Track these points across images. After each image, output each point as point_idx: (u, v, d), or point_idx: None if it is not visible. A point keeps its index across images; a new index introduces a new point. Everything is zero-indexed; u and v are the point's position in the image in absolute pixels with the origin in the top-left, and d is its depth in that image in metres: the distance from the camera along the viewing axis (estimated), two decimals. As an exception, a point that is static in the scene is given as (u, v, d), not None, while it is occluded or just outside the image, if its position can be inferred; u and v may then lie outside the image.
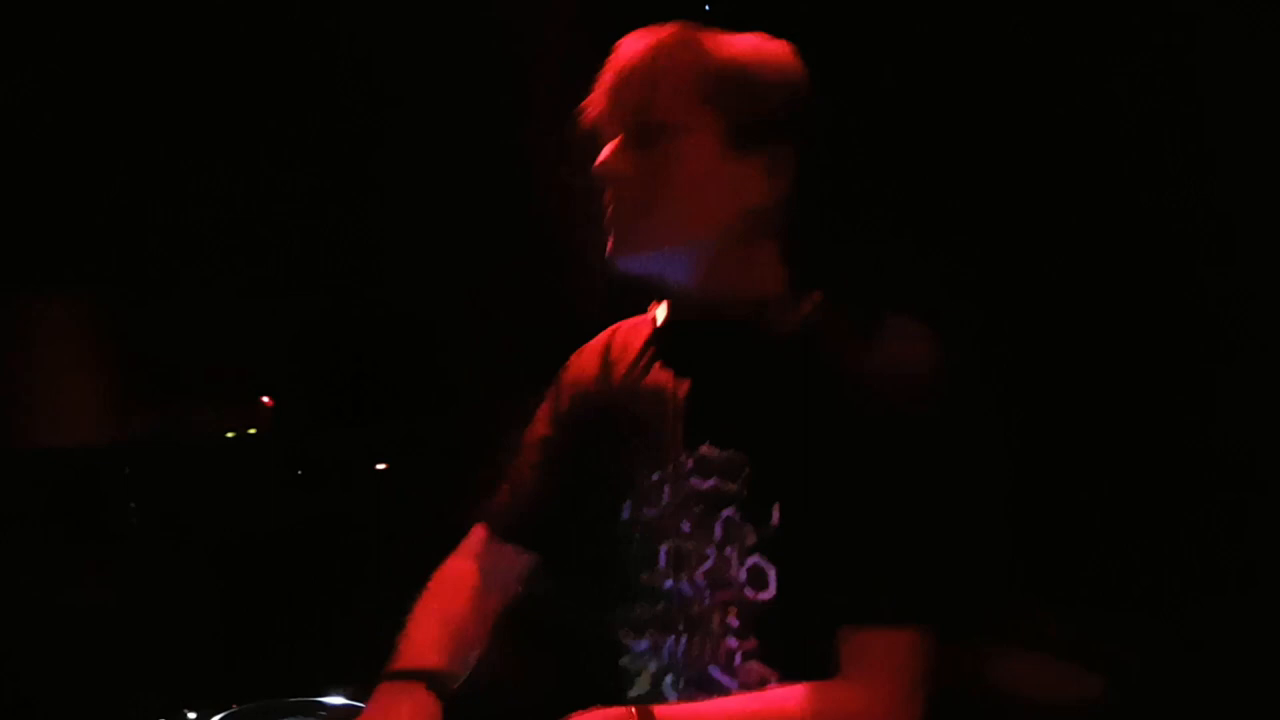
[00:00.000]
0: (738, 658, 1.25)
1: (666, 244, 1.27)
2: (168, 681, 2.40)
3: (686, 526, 1.29)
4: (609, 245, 1.28)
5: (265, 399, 2.98)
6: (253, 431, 2.93)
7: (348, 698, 1.40)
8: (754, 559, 1.24)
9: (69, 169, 2.81)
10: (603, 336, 1.47)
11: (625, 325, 1.46)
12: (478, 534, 1.46)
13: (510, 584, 1.45)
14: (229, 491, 2.82)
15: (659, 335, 1.37)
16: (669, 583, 1.30)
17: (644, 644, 1.33)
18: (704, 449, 1.28)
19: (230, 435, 2.93)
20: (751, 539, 1.25)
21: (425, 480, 2.78)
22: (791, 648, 1.23)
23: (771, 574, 1.23)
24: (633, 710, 1.14)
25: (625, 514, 1.34)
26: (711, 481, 1.28)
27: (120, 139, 2.84)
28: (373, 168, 2.89)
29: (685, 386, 1.32)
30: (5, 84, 2.68)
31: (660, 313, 1.38)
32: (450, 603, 1.41)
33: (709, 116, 1.24)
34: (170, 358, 2.87)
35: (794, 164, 1.28)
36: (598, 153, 1.29)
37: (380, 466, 2.92)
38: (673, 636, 1.30)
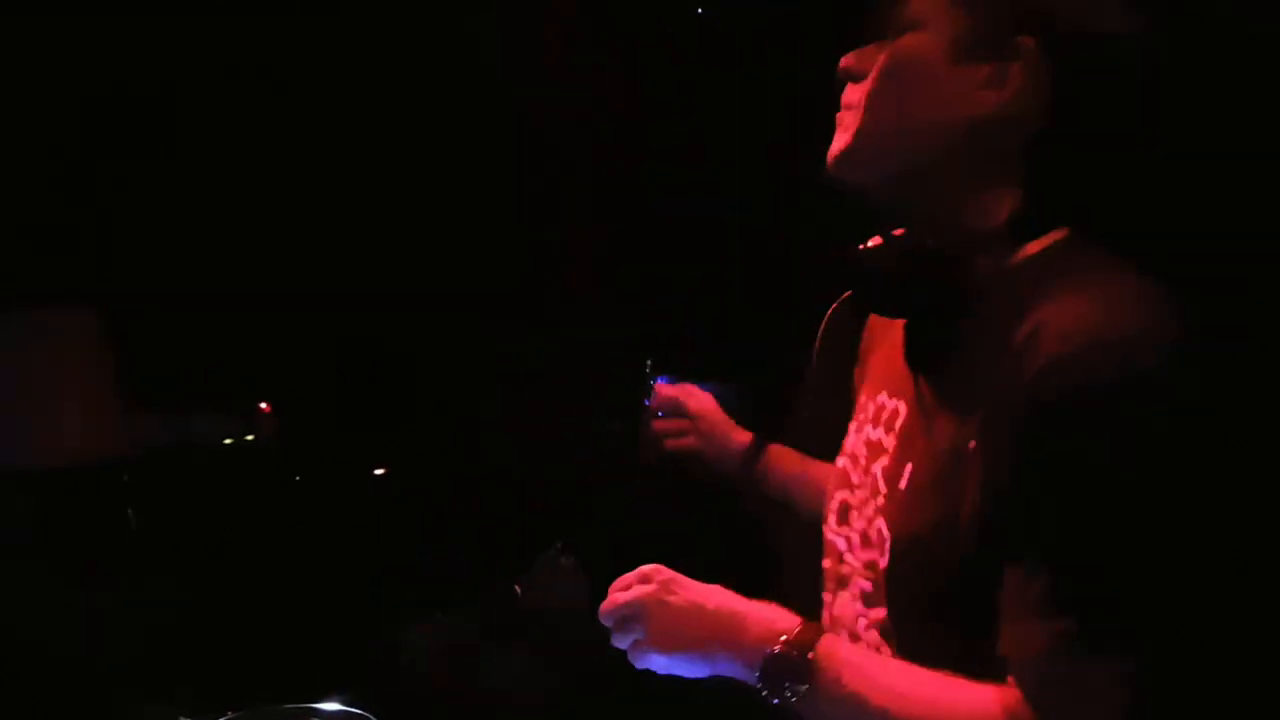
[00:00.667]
0: (860, 624, 1.15)
1: (882, 154, 1.13)
2: (164, 688, 2.39)
3: (855, 477, 1.20)
4: (833, 153, 1.16)
5: (263, 405, 2.97)
6: (251, 438, 2.92)
7: (344, 704, 1.40)
8: (879, 522, 1.13)
9: (66, 178, 2.81)
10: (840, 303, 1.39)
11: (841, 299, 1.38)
12: None
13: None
14: (227, 498, 2.81)
15: (878, 258, 1.18)
16: (833, 536, 1.22)
17: (829, 597, 1.24)
18: (881, 396, 1.19)
19: (228, 442, 2.92)
20: (881, 499, 1.13)
21: (424, 485, 2.78)
22: (903, 627, 1.10)
23: (887, 540, 1.10)
24: (800, 625, 1.03)
25: (838, 464, 1.27)
26: (879, 432, 1.17)
27: (115, 146, 2.84)
28: (371, 174, 2.89)
29: (893, 331, 1.20)
30: (6, 94, 2.68)
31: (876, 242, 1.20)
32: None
33: (950, 13, 1.09)
34: (168, 365, 2.86)
35: (1040, 73, 1.07)
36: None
37: (379, 472, 2.91)
38: (828, 594, 1.23)
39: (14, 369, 2.37)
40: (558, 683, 1.93)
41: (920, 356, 1.14)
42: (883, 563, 1.11)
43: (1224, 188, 1.56)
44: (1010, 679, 0.97)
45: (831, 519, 1.23)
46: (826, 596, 1.23)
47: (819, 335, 1.35)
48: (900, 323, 1.19)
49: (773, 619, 1.05)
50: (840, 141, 1.15)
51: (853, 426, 1.25)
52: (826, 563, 1.24)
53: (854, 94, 1.14)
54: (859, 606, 1.15)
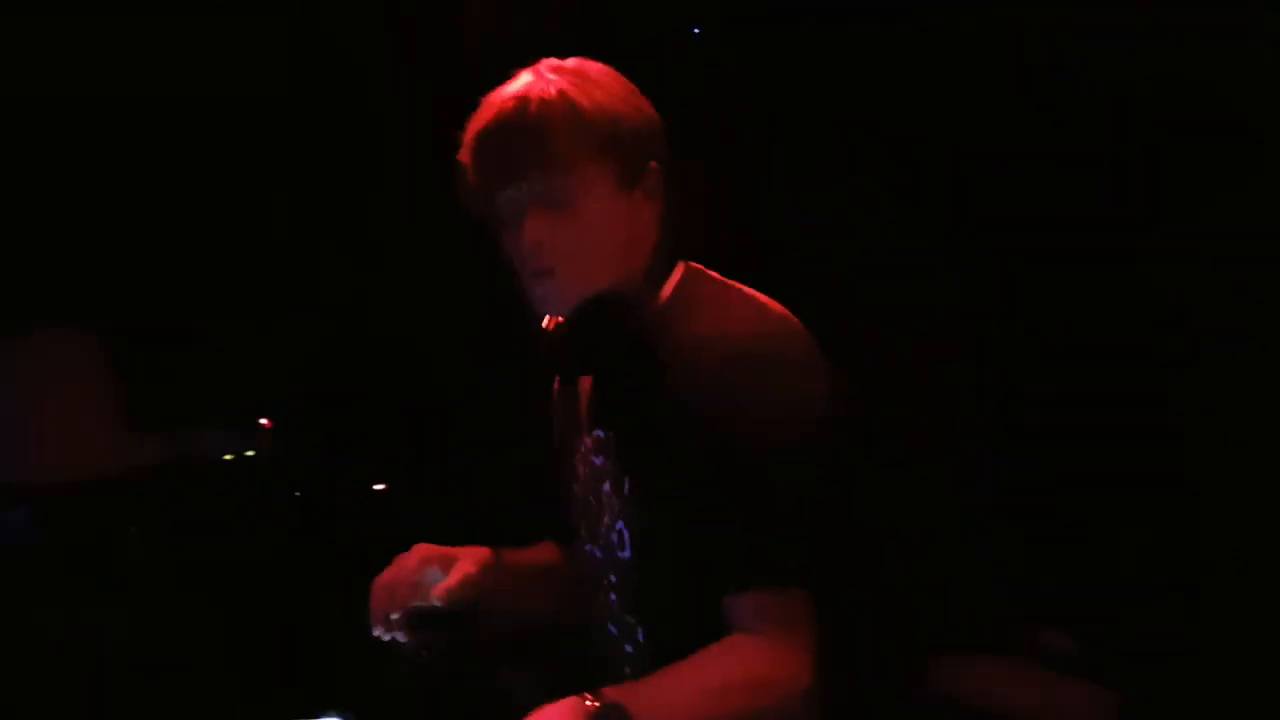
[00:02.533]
0: (616, 610, 1.44)
1: (583, 292, 1.39)
2: (167, 705, 2.40)
3: (591, 500, 1.47)
4: (538, 303, 1.43)
5: (264, 421, 2.98)
6: (251, 454, 2.93)
7: (342, 719, 1.40)
8: (619, 524, 1.41)
9: (64, 198, 2.82)
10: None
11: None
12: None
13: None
14: (227, 513, 2.81)
15: (550, 338, 1.50)
16: (587, 547, 1.49)
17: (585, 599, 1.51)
18: (596, 431, 1.45)
19: (228, 457, 2.93)
20: (617, 507, 1.41)
21: (423, 501, 2.79)
22: (650, 600, 1.39)
23: (626, 537, 1.39)
24: (585, 696, 1.23)
25: (569, 494, 1.53)
26: (600, 459, 1.44)
27: (112, 164, 2.85)
28: (372, 192, 2.90)
29: (589, 376, 1.47)
30: (5, 114, 2.70)
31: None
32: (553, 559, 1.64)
33: (600, 167, 1.37)
34: (168, 380, 2.87)
35: (662, 179, 1.43)
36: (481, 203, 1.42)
37: (378, 487, 2.92)
38: (588, 594, 1.50)
39: (16, 387, 2.38)
40: (555, 699, 1.93)
41: (613, 395, 1.42)
42: (623, 555, 1.40)
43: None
44: (735, 630, 1.27)
45: (582, 534, 1.50)
46: (599, 597, 1.48)
47: (555, 406, 1.60)
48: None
49: (561, 707, 1.26)
50: (557, 302, 1.41)
51: (578, 459, 1.50)
52: (587, 570, 1.50)
53: (550, 259, 1.39)
54: (611, 597, 1.45)
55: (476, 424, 2.84)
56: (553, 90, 1.37)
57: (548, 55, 1.43)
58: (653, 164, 1.42)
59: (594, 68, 1.43)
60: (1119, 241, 1.96)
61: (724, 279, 1.45)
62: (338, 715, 1.48)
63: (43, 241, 2.79)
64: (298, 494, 2.88)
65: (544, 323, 1.49)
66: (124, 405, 2.74)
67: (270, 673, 2.53)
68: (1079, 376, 2.00)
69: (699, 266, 1.47)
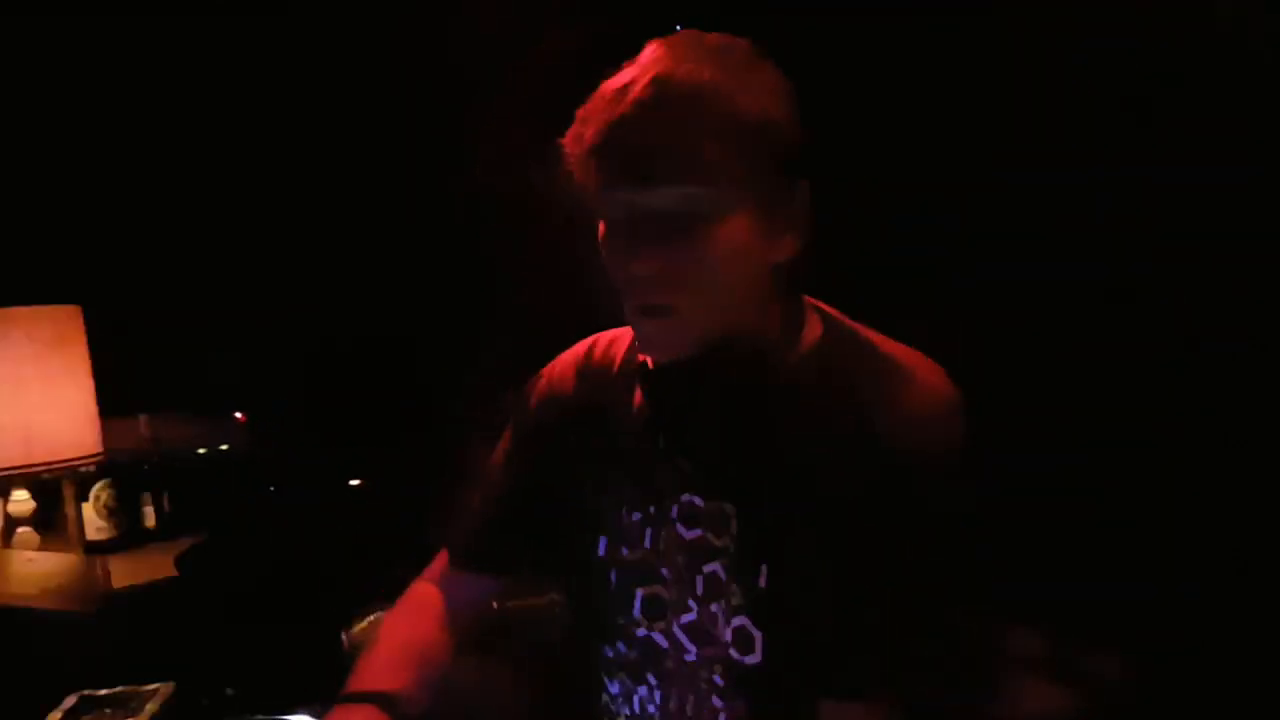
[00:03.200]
0: (722, 718, 1.19)
1: (708, 336, 1.13)
2: (134, 699, 2.37)
3: (667, 573, 1.22)
4: (645, 342, 1.17)
5: (238, 415, 2.96)
6: (225, 447, 2.91)
7: (314, 716, 1.39)
8: (740, 620, 1.17)
9: (38, 181, 2.79)
10: (578, 351, 1.35)
11: (604, 340, 1.34)
12: (442, 559, 1.41)
13: (476, 608, 1.40)
14: (200, 506, 2.79)
15: (656, 378, 1.23)
16: (641, 631, 1.24)
17: (616, 686, 1.28)
18: (688, 497, 1.20)
19: (202, 451, 2.91)
20: (738, 599, 1.17)
21: (400, 497, 2.77)
22: (779, 715, 1.16)
23: (758, 639, 1.16)
24: None
25: (601, 550, 1.27)
26: (697, 532, 1.19)
27: (92, 152, 2.83)
28: (348, 183, 2.89)
29: (673, 426, 1.21)
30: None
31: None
32: (414, 626, 1.35)
33: (740, 185, 1.09)
34: (143, 372, 2.85)
35: (809, 198, 1.14)
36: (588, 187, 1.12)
37: (354, 483, 2.90)
38: (644, 687, 1.25)
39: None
40: (530, 695, 1.92)
41: (740, 464, 1.17)
42: (749, 660, 1.16)
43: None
44: None
45: (635, 615, 1.24)
46: (639, 689, 1.26)
47: (541, 404, 1.35)
48: (677, 428, 1.22)
49: None
50: (673, 343, 1.14)
51: (638, 520, 1.24)
52: (631, 655, 1.26)
53: (669, 294, 1.11)
54: (715, 701, 1.20)
55: (455, 420, 2.82)
56: (705, 74, 1.07)
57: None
58: (803, 182, 1.13)
59: (742, 47, 1.13)
60: (1115, 241, 1.96)
61: (854, 322, 1.21)
62: (307, 713, 1.46)
63: (18, 224, 2.76)
64: (272, 489, 2.86)
65: (612, 343, 1.27)
66: (100, 395, 2.72)
67: (240, 670, 2.51)
68: (1075, 377, 2.00)
69: (824, 305, 1.23)
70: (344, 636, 1.98)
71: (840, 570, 1.10)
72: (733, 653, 1.17)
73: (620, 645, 1.27)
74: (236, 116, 2.88)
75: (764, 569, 1.15)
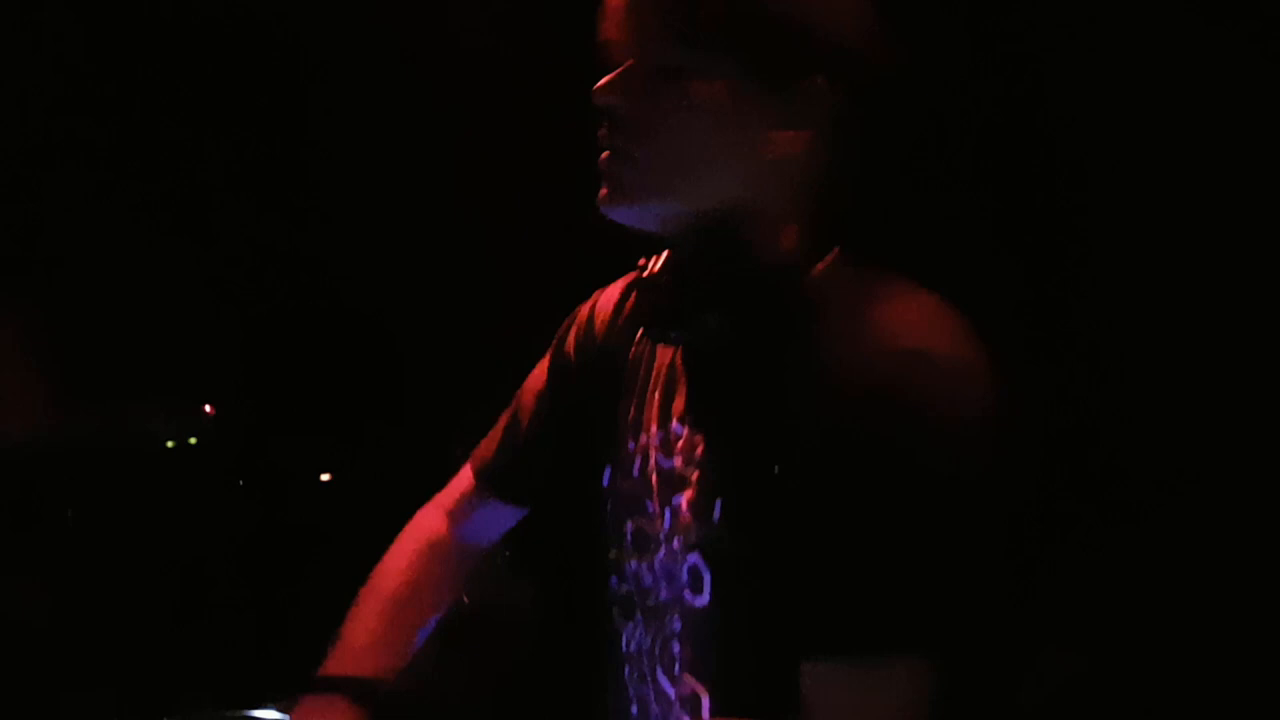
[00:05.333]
0: (677, 666, 1.13)
1: (666, 198, 1.08)
2: (99, 693, 2.35)
3: (651, 506, 1.15)
4: (602, 191, 1.09)
5: (207, 407, 2.93)
6: (194, 440, 2.88)
7: (281, 711, 1.37)
8: (693, 557, 1.09)
9: (8, 169, 2.76)
10: (624, 281, 1.30)
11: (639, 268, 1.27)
12: (464, 481, 1.38)
13: (489, 541, 1.38)
14: (168, 501, 2.77)
15: (656, 285, 1.18)
16: (632, 564, 1.18)
17: (617, 622, 1.22)
18: (674, 424, 1.13)
19: (170, 444, 2.88)
20: (694, 535, 1.09)
21: (370, 491, 2.75)
22: (724, 667, 1.08)
23: (707, 578, 1.08)
24: None
25: (605, 480, 1.22)
26: (673, 461, 1.12)
27: (59, 135, 2.80)
28: (322, 170, 2.86)
29: (671, 352, 1.16)
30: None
31: (657, 264, 1.18)
32: (414, 567, 1.33)
33: (729, 54, 1.03)
34: (110, 364, 2.82)
35: (830, 108, 1.05)
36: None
37: (325, 477, 2.88)
38: (630, 624, 1.20)
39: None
40: (498, 686, 1.91)
41: (722, 387, 1.10)
42: (699, 601, 1.09)
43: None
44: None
45: (628, 548, 1.19)
46: (627, 625, 1.21)
47: (573, 330, 1.32)
48: (677, 350, 1.16)
49: None
50: (616, 190, 1.08)
51: (634, 448, 1.19)
52: (623, 589, 1.20)
53: (628, 137, 1.07)
54: (674, 646, 1.13)
55: (427, 413, 2.80)
56: None
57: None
58: (817, 79, 1.04)
59: None
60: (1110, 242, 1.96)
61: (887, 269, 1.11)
62: (274, 708, 1.45)
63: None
64: (241, 483, 2.84)
65: (645, 262, 1.17)
66: (64, 387, 2.69)
67: (207, 664, 2.49)
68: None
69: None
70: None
71: (801, 513, 0.98)
72: (686, 594, 1.10)
73: (614, 579, 1.22)
74: (209, 94, 2.85)
75: (718, 503, 1.07)
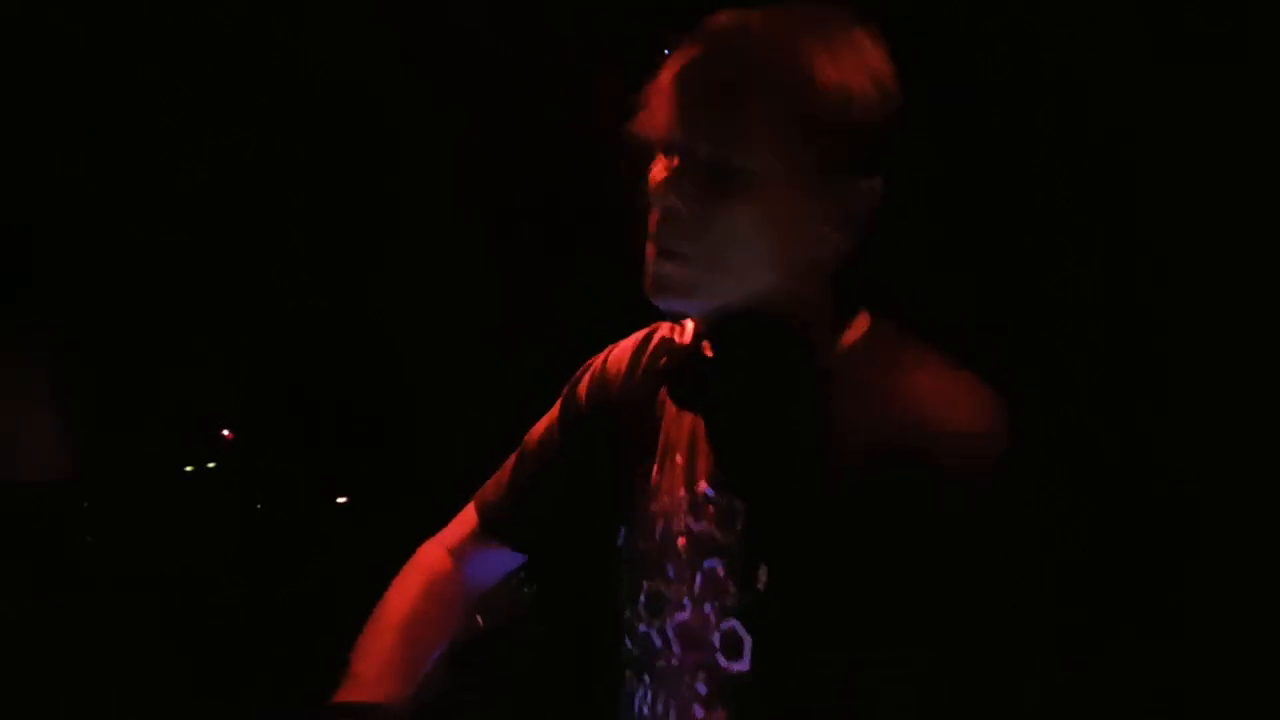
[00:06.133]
0: None
1: (713, 296, 1.08)
2: (119, 716, 2.36)
3: (671, 570, 1.16)
4: (651, 280, 1.09)
5: (225, 432, 2.95)
6: (212, 465, 2.90)
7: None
8: (731, 623, 1.09)
9: (21, 196, 2.78)
10: (638, 336, 1.32)
11: (664, 329, 1.29)
12: (468, 522, 1.40)
13: (488, 583, 1.40)
14: (188, 525, 2.79)
15: (685, 353, 1.21)
16: (642, 626, 1.20)
17: (627, 683, 1.24)
18: (700, 486, 1.14)
19: (189, 469, 2.90)
20: (732, 600, 1.09)
21: (386, 515, 2.77)
22: None
23: (747, 644, 1.08)
24: None
25: (620, 539, 1.24)
26: (703, 525, 1.13)
27: (73, 163, 2.82)
28: (340, 200, 2.89)
29: (692, 417, 1.17)
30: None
31: (689, 327, 1.22)
32: (419, 600, 1.34)
33: (795, 159, 1.03)
34: (129, 389, 2.84)
35: (878, 200, 1.08)
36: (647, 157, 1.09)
37: (341, 500, 2.90)
38: (641, 688, 1.21)
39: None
40: (512, 710, 1.92)
41: (760, 456, 1.10)
42: (736, 666, 1.09)
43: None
44: None
45: (640, 609, 1.20)
46: (640, 689, 1.22)
47: (587, 382, 1.33)
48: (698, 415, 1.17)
49: None
50: (671, 289, 1.08)
51: (654, 510, 1.20)
52: (635, 651, 1.22)
53: (685, 238, 1.06)
54: (697, 710, 1.13)
55: (442, 438, 2.82)
56: (791, 32, 1.03)
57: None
58: (874, 180, 1.07)
59: (843, 16, 1.06)
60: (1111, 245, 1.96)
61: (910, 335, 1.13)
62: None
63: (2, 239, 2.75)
64: (259, 507, 2.86)
65: (673, 332, 1.20)
66: (82, 413, 2.71)
67: (227, 686, 2.50)
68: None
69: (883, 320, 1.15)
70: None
71: (847, 584, 1.01)
72: (719, 658, 1.10)
73: (627, 640, 1.23)
74: (214, 125, 2.87)
75: (764, 570, 1.07)
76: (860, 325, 1.12)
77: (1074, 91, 1.94)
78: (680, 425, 1.19)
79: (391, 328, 2.87)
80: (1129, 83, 1.87)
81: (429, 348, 2.79)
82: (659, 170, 1.09)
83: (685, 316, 1.16)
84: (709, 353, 1.15)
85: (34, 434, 2.44)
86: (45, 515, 2.62)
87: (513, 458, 1.39)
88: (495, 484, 1.40)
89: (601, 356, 1.35)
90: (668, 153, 1.08)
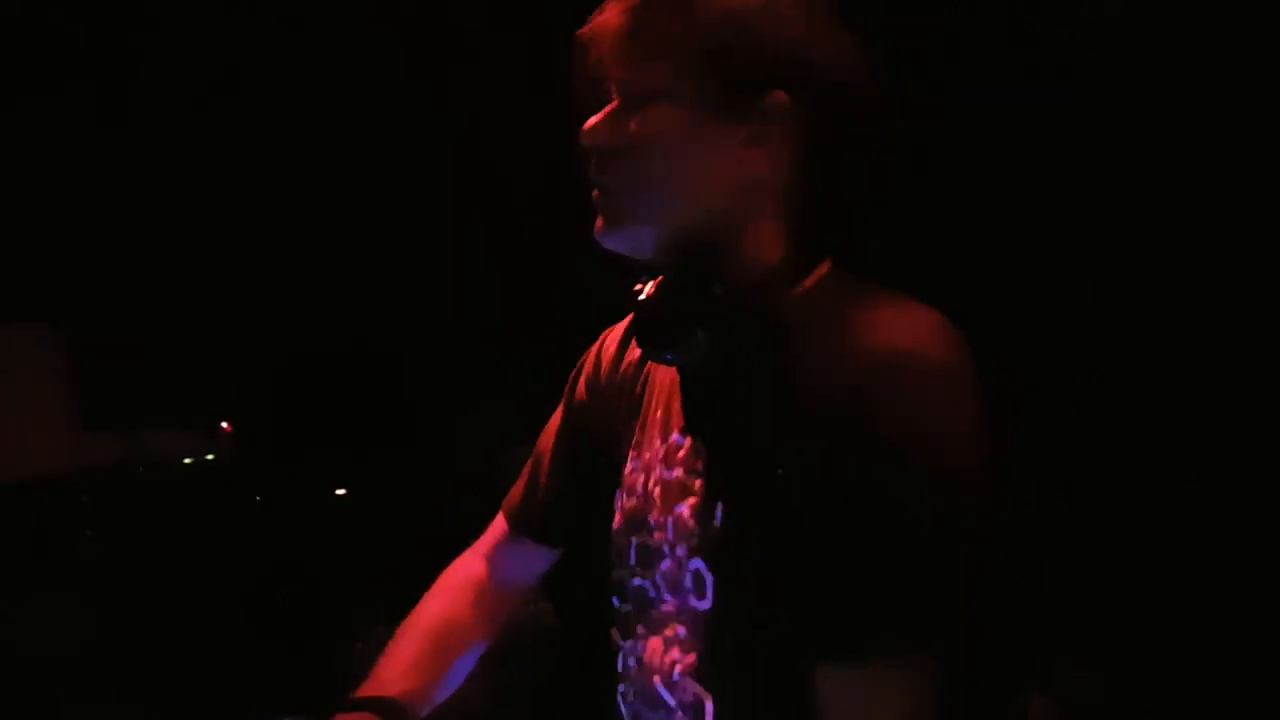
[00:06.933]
0: (676, 672, 1.14)
1: (648, 223, 1.12)
2: (124, 711, 2.37)
3: (652, 519, 1.18)
4: (597, 224, 1.15)
5: (225, 425, 2.96)
6: (211, 458, 2.90)
7: (307, 723, 1.39)
8: (697, 562, 1.11)
9: (24, 194, 2.79)
10: (627, 321, 1.36)
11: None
12: (498, 528, 1.43)
13: (528, 581, 1.42)
14: (188, 519, 2.79)
15: (647, 307, 1.18)
16: (635, 580, 1.20)
17: (621, 641, 1.24)
18: (674, 436, 1.17)
19: (189, 461, 2.90)
20: (696, 540, 1.12)
21: (385, 507, 2.78)
22: (728, 670, 1.09)
23: (709, 582, 1.10)
24: None
25: (617, 504, 1.25)
26: (676, 472, 1.15)
27: (77, 164, 2.83)
28: (335, 194, 2.89)
29: (671, 371, 1.21)
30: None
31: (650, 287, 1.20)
32: (448, 605, 1.37)
33: (684, 78, 1.08)
34: (127, 383, 2.84)
35: (801, 124, 1.09)
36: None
37: (340, 492, 2.91)
38: (631, 640, 1.22)
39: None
40: (520, 715, 1.93)
41: (717, 397, 1.13)
42: (702, 605, 1.11)
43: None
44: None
45: (630, 562, 1.21)
46: (626, 643, 1.23)
47: (584, 370, 1.37)
48: (675, 368, 1.20)
49: None
50: (607, 220, 1.14)
51: (636, 466, 1.23)
52: (626, 607, 1.23)
53: (608, 170, 1.12)
54: (674, 653, 1.15)
55: (440, 429, 2.83)
56: None
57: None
58: (777, 94, 1.08)
59: None
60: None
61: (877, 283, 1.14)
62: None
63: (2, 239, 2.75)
64: (258, 498, 2.86)
65: (641, 285, 1.20)
66: (84, 407, 2.71)
67: (228, 679, 2.51)
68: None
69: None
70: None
71: (799, 517, 1.00)
72: (691, 599, 1.12)
73: (615, 600, 1.24)
74: (217, 123, 2.87)
75: (719, 507, 1.09)
76: (820, 270, 1.14)
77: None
78: (662, 381, 1.23)
79: (389, 322, 2.87)
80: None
81: (427, 338, 2.80)
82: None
83: (636, 254, 1.16)
84: (666, 300, 1.15)
85: (32, 429, 2.44)
86: (44, 511, 2.63)
87: (532, 458, 1.43)
88: (517, 486, 1.43)
89: (596, 345, 1.39)
90: (595, 103, 1.14)
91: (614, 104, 1.13)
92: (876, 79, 1.13)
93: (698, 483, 1.13)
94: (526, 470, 1.43)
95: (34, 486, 2.51)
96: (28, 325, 2.52)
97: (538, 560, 1.43)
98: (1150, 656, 1.88)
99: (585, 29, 1.13)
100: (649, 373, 1.26)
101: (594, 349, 1.39)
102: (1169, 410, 1.90)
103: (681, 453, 1.16)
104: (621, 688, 1.23)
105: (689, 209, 1.11)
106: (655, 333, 1.15)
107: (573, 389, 1.39)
